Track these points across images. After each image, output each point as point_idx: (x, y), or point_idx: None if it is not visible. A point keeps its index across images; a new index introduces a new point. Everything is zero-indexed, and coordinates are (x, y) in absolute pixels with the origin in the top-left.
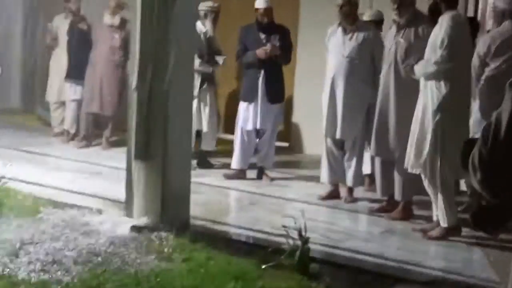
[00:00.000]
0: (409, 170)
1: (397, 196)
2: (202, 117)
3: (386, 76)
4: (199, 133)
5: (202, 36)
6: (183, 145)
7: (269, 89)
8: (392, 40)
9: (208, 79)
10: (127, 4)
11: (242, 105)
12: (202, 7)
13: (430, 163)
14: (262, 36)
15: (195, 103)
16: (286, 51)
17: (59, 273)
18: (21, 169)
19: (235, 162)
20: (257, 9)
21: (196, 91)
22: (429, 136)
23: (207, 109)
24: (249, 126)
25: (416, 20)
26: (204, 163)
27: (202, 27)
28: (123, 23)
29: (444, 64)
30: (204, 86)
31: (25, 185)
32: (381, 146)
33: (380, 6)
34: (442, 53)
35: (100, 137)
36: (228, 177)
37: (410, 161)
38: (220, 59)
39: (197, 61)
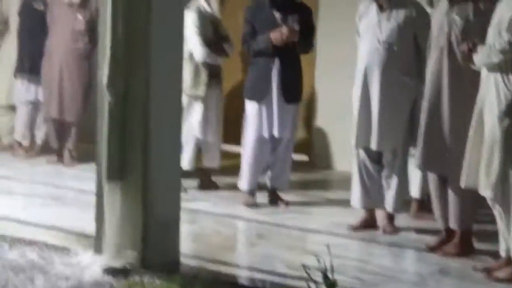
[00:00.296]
0: (481, 192)
1: (453, 223)
2: (209, 125)
3: (437, 65)
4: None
5: (207, 18)
6: (170, 161)
7: (285, 84)
8: (443, 18)
9: (215, 74)
10: None
11: (250, 105)
12: None
13: (501, 182)
14: (277, 15)
15: (201, 108)
16: (307, 36)
17: None
18: None
19: (245, 181)
20: None
21: (202, 91)
22: (497, 147)
23: (213, 115)
24: (264, 133)
25: None
26: (208, 184)
27: (206, 6)
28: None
29: None
30: (212, 84)
31: None
32: (430, 156)
33: None
34: (510, 38)
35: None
36: (250, 204)
37: (480, 181)
38: (229, 48)
39: (203, 50)
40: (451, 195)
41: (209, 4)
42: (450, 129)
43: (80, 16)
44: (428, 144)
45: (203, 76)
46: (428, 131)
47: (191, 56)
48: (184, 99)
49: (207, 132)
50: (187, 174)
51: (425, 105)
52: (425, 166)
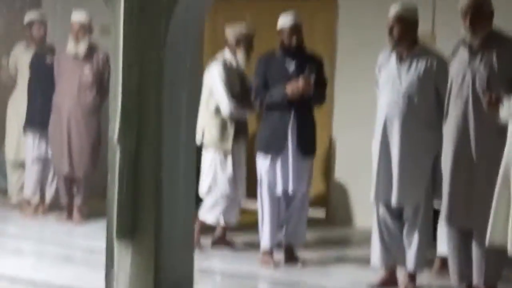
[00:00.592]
0: (509, 251)
1: (477, 280)
2: (237, 180)
3: (461, 116)
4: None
5: (233, 71)
6: (183, 219)
7: (302, 136)
8: (465, 67)
9: (242, 129)
10: (107, 27)
11: (263, 160)
12: (233, 33)
13: None
14: (291, 66)
15: (231, 163)
16: (320, 88)
17: None
18: None
19: (266, 239)
20: (280, 31)
21: (229, 146)
22: None
23: (241, 170)
24: (279, 189)
25: (494, 40)
26: (223, 242)
27: (232, 58)
28: (92, 51)
29: None
30: (239, 139)
31: None
32: (456, 209)
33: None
34: None
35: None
36: (270, 263)
37: (509, 238)
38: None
39: (229, 103)
40: (475, 250)
41: (235, 57)
42: (476, 181)
43: (87, 69)
44: (453, 197)
45: (230, 130)
46: (453, 183)
47: (217, 110)
48: (216, 155)
49: (236, 188)
50: (201, 231)
51: (449, 155)
52: (450, 219)
